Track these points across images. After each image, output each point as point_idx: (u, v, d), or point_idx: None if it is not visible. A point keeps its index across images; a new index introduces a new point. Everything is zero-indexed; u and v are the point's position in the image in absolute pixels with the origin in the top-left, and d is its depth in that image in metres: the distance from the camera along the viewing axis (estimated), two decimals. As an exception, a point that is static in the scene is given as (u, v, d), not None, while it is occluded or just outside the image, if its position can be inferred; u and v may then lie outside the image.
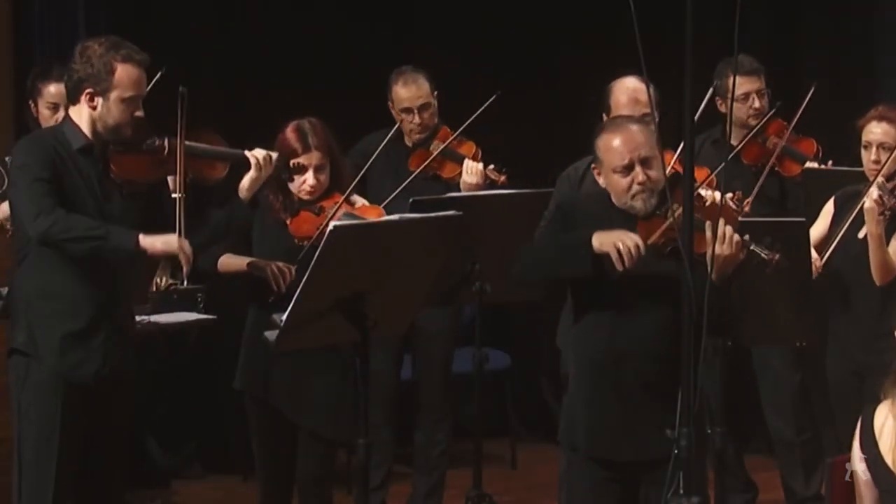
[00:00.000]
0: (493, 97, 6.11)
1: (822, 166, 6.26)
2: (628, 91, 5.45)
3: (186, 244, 4.68)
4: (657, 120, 4.90)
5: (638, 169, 4.51)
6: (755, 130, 6.30)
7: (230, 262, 5.16)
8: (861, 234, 5.47)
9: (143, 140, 4.82)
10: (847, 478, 4.27)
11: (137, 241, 4.62)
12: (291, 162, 5.08)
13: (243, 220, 5.08)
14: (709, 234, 4.29)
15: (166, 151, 4.82)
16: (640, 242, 4.41)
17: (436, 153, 6.27)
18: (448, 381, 6.56)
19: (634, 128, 4.60)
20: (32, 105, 5.87)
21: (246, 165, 4.97)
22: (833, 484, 4.39)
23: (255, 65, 7.45)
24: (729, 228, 4.38)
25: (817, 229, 5.62)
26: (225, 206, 5.02)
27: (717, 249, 4.29)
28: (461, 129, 6.24)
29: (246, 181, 4.97)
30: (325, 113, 5.28)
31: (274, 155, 4.99)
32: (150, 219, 4.82)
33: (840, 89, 7.10)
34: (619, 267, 4.40)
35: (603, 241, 4.43)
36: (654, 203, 4.54)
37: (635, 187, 4.53)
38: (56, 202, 4.60)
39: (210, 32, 7.45)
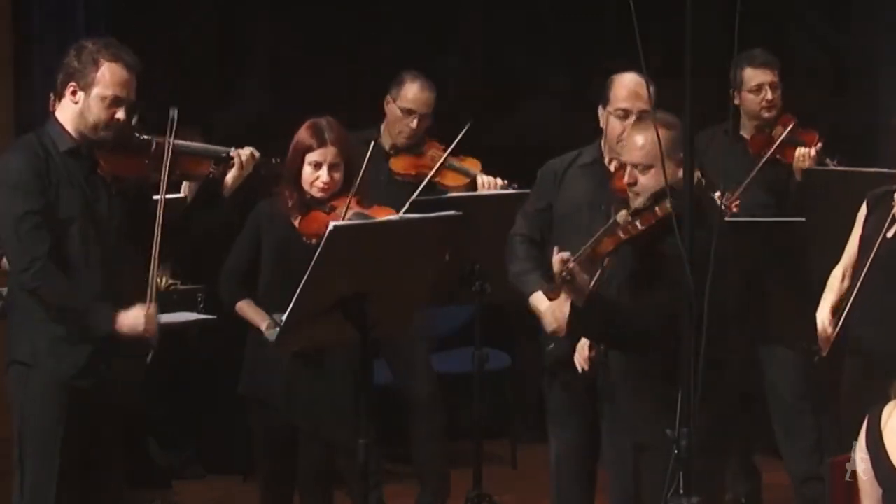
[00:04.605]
0: (466, 127, 6.13)
1: (826, 167, 6.24)
2: (627, 85, 5.42)
3: (151, 321, 4.67)
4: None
5: (630, 170, 4.63)
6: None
7: (249, 313, 5.18)
8: (891, 234, 5.34)
9: (131, 138, 4.79)
10: (847, 478, 4.27)
11: (115, 325, 4.64)
12: (306, 157, 5.09)
13: (245, 220, 5.13)
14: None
15: (153, 148, 4.79)
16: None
17: (440, 164, 6.21)
18: (431, 377, 6.57)
19: (649, 135, 4.65)
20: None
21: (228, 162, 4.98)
22: (833, 484, 4.38)
23: (255, 65, 7.45)
24: None
25: (854, 237, 5.45)
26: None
27: None
28: (454, 143, 6.19)
29: (229, 178, 4.97)
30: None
31: (256, 153, 4.99)
32: (138, 217, 4.80)
33: (839, 89, 7.11)
34: None
35: None
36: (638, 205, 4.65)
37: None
38: (47, 246, 4.57)
39: (210, 32, 7.45)
